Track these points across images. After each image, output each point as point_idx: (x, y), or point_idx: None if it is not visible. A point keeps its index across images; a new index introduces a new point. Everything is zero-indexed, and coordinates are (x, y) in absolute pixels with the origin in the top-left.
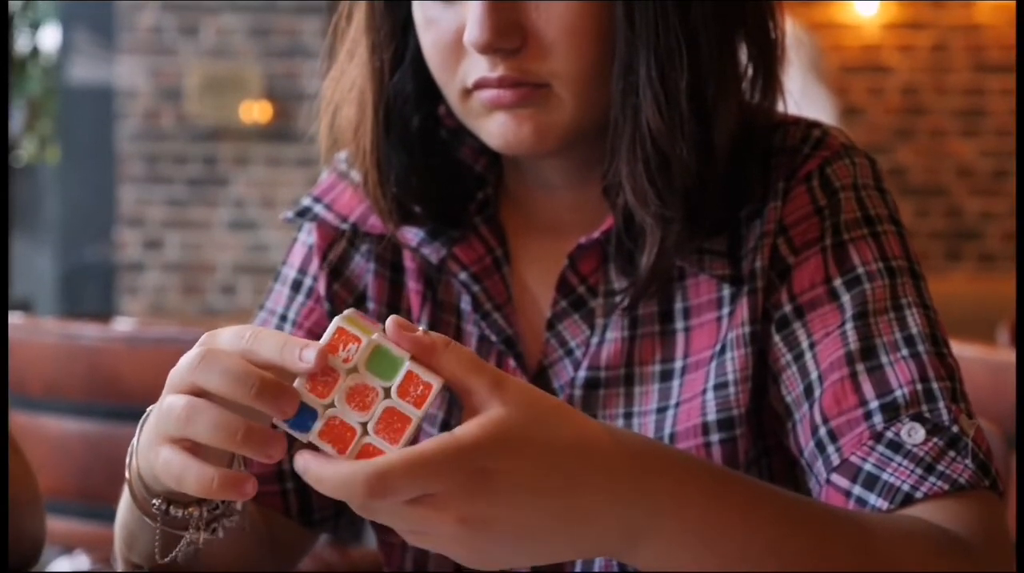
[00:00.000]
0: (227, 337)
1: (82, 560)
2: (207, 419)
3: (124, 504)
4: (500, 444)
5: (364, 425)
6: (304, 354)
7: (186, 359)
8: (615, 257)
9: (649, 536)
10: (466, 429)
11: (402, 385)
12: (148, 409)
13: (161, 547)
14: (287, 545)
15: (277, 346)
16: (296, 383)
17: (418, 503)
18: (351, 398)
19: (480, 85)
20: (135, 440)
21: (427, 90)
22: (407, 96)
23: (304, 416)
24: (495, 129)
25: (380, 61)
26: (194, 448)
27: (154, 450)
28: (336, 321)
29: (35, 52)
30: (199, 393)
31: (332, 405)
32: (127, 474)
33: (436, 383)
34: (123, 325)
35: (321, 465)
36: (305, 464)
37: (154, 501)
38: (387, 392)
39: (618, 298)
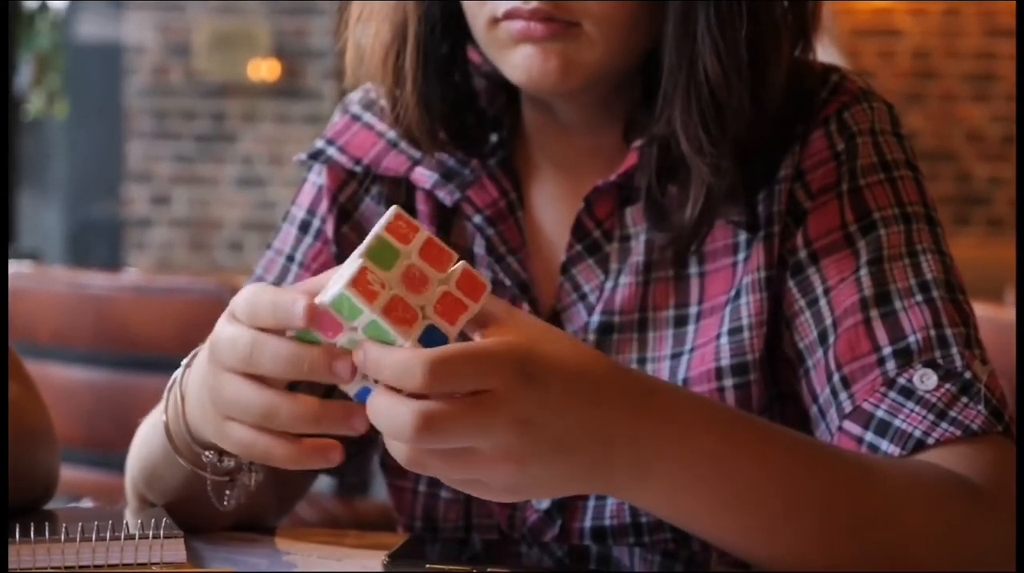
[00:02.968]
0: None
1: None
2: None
3: (150, 444)
4: (543, 348)
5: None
6: (296, 308)
7: (231, 346)
8: (647, 210)
9: (655, 474)
10: (510, 335)
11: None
12: (189, 357)
13: (216, 495)
14: (286, 490)
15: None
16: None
17: (475, 401)
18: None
19: (511, 15)
20: (176, 385)
21: (457, 19)
22: (437, 20)
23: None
24: (520, 61)
25: None
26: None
27: (218, 425)
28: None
29: (44, 7)
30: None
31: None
32: (164, 419)
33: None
34: (131, 275)
35: (381, 350)
36: (365, 353)
37: (206, 454)
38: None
39: (654, 251)
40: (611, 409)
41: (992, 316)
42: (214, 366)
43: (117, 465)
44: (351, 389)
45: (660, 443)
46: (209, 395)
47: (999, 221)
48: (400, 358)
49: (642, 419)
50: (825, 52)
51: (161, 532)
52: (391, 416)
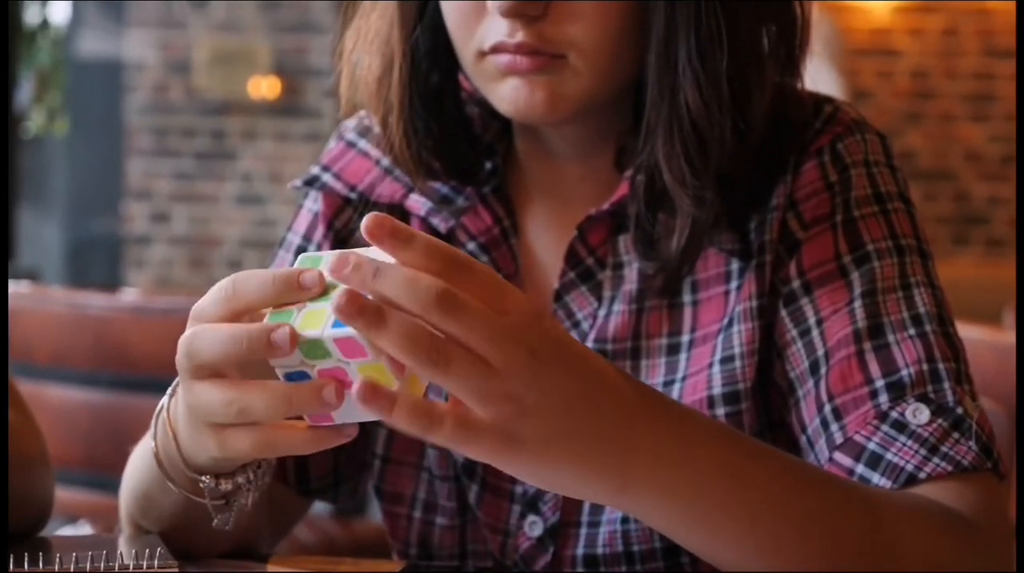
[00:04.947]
0: (208, 298)
1: (85, 529)
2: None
3: (142, 472)
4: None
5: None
6: (305, 279)
7: (180, 344)
8: (636, 239)
9: (670, 487)
10: None
11: None
12: (172, 385)
13: (216, 517)
14: (282, 513)
15: (265, 282)
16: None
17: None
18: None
19: (497, 49)
20: (163, 411)
21: (446, 48)
22: (427, 51)
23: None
24: (507, 94)
25: (410, 12)
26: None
27: (209, 436)
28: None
29: (45, 24)
30: (209, 373)
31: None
32: (153, 446)
33: None
34: (130, 295)
35: (388, 265)
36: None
37: (203, 479)
38: None
39: (645, 280)
40: (631, 405)
41: (991, 339)
42: (184, 385)
43: (114, 486)
44: (288, 367)
45: (676, 456)
46: (191, 412)
47: (998, 241)
48: (408, 271)
49: (659, 422)
50: (826, 72)
51: (156, 561)
52: (412, 287)
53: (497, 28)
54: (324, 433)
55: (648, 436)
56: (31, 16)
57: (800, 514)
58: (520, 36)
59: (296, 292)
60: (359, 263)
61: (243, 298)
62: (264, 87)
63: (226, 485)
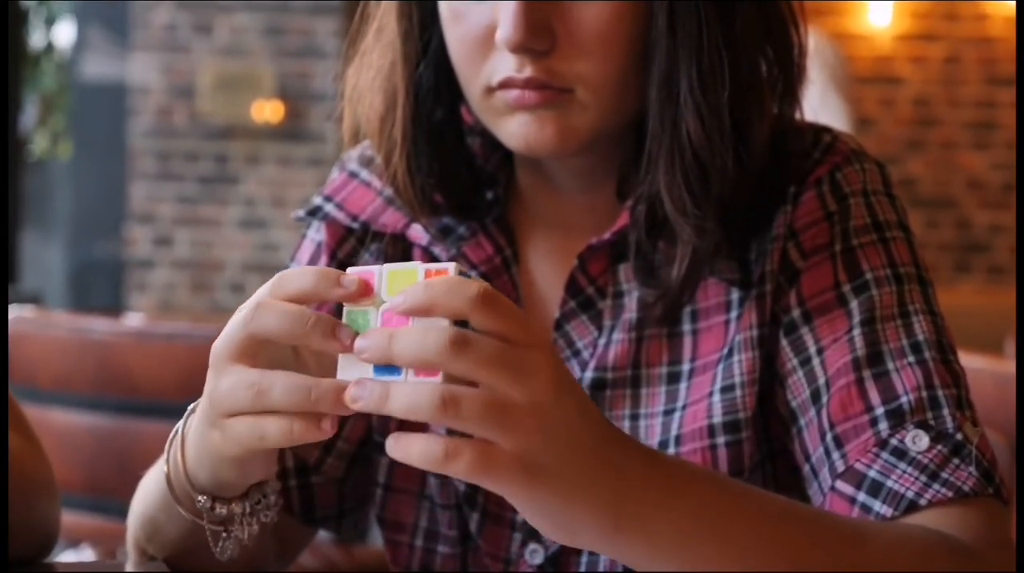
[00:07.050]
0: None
1: (87, 554)
2: (281, 382)
3: (150, 496)
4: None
5: None
6: (344, 279)
7: (233, 324)
8: (636, 267)
9: (661, 529)
10: None
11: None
12: (191, 405)
13: (212, 543)
14: (287, 542)
15: (310, 279)
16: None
17: (513, 345)
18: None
19: (505, 85)
20: (178, 434)
21: (449, 84)
22: (430, 88)
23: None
24: (516, 129)
25: (413, 49)
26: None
27: (217, 427)
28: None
29: (49, 48)
30: (254, 351)
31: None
32: (165, 468)
33: (451, 267)
34: (133, 320)
35: (434, 278)
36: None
37: (199, 498)
38: None
39: (645, 308)
40: (624, 448)
41: (992, 368)
42: (213, 370)
43: (117, 511)
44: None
45: (661, 501)
46: (208, 403)
47: (999, 269)
48: (450, 279)
49: (644, 465)
50: (832, 99)
51: None
52: (423, 340)
53: (505, 64)
54: (303, 425)
55: (636, 479)
56: (36, 40)
57: (788, 554)
58: (528, 71)
59: (335, 288)
60: (375, 339)
61: (286, 288)
62: (267, 111)
63: (221, 509)
